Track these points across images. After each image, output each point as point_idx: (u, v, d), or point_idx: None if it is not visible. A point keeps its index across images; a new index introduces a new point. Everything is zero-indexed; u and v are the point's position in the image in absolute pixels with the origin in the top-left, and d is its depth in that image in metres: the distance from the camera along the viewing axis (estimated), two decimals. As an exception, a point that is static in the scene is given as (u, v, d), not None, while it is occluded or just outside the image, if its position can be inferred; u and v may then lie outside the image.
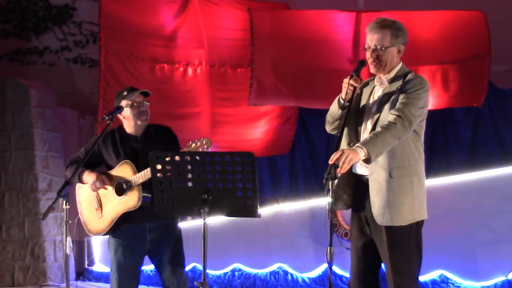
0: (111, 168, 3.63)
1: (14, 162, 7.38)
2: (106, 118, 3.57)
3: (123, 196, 3.53)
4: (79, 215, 3.76)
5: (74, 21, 8.78)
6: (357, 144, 2.91)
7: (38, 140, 7.37)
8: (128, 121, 3.63)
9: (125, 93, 3.62)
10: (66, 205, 3.33)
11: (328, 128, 3.29)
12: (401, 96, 2.99)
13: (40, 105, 7.46)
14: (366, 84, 3.20)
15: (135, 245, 3.58)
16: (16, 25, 8.76)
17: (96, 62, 7.57)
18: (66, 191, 3.31)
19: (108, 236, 3.67)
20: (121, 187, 3.54)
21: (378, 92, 3.13)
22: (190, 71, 6.45)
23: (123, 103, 3.60)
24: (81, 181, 3.67)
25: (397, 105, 2.97)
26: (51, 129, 7.54)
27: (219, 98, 6.54)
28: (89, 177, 3.60)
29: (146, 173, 3.40)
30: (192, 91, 6.48)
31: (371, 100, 3.14)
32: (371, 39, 3.07)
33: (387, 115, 3.00)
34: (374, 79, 3.20)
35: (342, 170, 2.81)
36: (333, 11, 6.25)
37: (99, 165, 3.75)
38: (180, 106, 6.38)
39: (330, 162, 2.82)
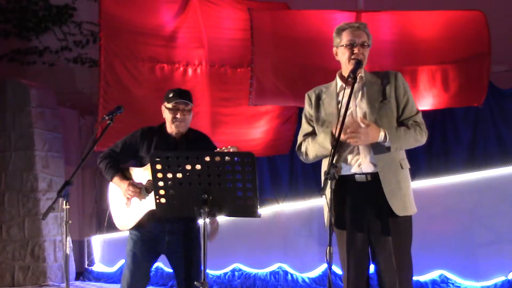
0: (143, 165, 3.66)
1: (14, 162, 7.38)
2: (106, 118, 3.57)
3: (149, 195, 3.54)
4: (109, 209, 3.79)
5: (74, 21, 8.78)
6: (382, 128, 2.97)
7: (38, 140, 7.37)
8: (167, 122, 3.71)
9: (171, 95, 3.70)
10: (66, 205, 3.32)
11: (308, 161, 3.28)
12: (404, 99, 3.09)
13: (40, 105, 7.46)
14: (320, 92, 3.19)
15: (154, 243, 3.60)
16: (16, 25, 8.77)
17: (96, 62, 7.58)
18: (66, 191, 3.30)
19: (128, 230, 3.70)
20: (151, 186, 3.54)
21: (356, 95, 3.11)
22: (190, 71, 6.44)
23: (166, 104, 3.69)
24: (111, 181, 3.70)
25: (408, 110, 3.09)
26: (51, 129, 7.55)
27: (219, 98, 6.54)
28: (121, 184, 3.63)
29: None
30: (192, 91, 6.39)
31: (349, 104, 3.10)
32: (357, 36, 3.11)
33: (389, 116, 3.05)
34: (328, 85, 3.19)
35: (354, 142, 2.95)
36: (333, 11, 6.24)
37: (131, 159, 3.78)
38: (180, 106, 6.37)
39: (343, 136, 2.91)
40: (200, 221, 3.61)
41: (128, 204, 3.64)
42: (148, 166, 3.53)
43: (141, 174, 3.64)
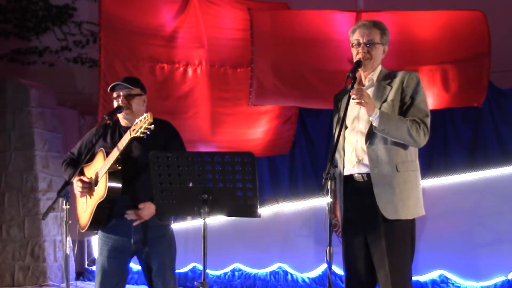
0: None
1: (14, 162, 7.38)
2: (106, 118, 3.53)
3: (97, 186, 3.41)
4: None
5: (74, 21, 8.79)
6: (377, 108, 2.96)
7: (38, 140, 7.37)
8: (118, 114, 3.52)
9: (109, 87, 3.54)
10: (66, 205, 3.31)
11: None
12: (409, 100, 3.03)
13: (40, 105, 7.46)
14: (343, 93, 3.22)
15: (121, 245, 3.43)
16: (16, 25, 8.77)
17: (96, 62, 7.58)
18: (66, 191, 3.30)
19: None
20: (97, 177, 3.42)
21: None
22: (190, 71, 6.44)
23: (112, 96, 3.55)
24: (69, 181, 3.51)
25: (412, 111, 3.01)
26: (51, 129, 7.55)
27: (219, 98, 6.54)
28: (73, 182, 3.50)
29: (108, 160, 3.29)
30: (192, 91, 6.48)
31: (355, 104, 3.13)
32: (361, 35, 3.12)
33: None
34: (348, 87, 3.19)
35: (358, 98, 2.91)
36: (333, 11, 6.24)
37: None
38: (180, 106, 6.38)
39: (352, 94, 2.91)
40: (182, 224, 3.57)
41: (85, 203, 3.50)
42: (98, 158, 3.44)
43: (92, 169, 3.50)
